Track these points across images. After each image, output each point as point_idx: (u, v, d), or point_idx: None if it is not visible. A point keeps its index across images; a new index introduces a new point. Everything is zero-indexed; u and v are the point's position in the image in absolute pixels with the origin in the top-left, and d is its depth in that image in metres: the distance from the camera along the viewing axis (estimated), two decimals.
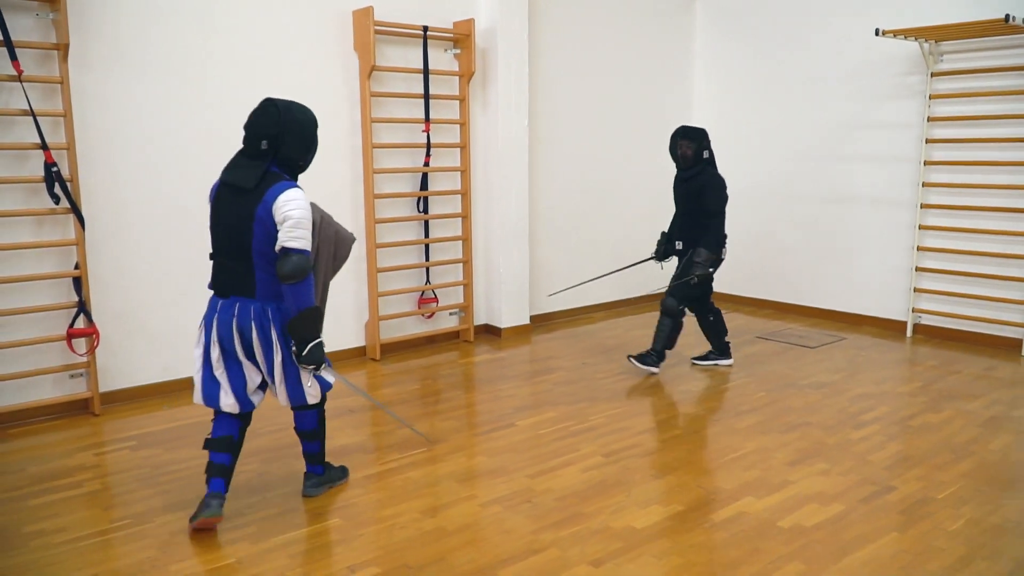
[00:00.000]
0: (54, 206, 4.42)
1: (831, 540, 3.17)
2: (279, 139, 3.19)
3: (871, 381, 5.24)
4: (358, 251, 5.66)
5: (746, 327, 6.74)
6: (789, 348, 6.09)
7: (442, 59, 5.98)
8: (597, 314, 7.21)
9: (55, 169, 4.36)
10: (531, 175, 6.49)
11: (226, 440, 3.34)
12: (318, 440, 3.60)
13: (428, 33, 5.70)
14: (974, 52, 5.95)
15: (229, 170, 3.23)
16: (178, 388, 5.01)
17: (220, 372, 3.29)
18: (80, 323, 4.57)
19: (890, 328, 6.58)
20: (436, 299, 6.13)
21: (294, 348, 3.20)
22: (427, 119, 5.77)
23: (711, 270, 5.23)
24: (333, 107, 5.46)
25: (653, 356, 5.35)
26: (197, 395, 3.33)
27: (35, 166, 4.40)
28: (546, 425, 4.48)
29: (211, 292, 3.35)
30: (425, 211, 5.94)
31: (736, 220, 7.50)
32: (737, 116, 7.54)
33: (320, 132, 5.19)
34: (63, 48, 4.33)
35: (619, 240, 7.23)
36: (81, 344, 4.59)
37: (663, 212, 7.67)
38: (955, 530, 3.24)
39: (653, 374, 5.36)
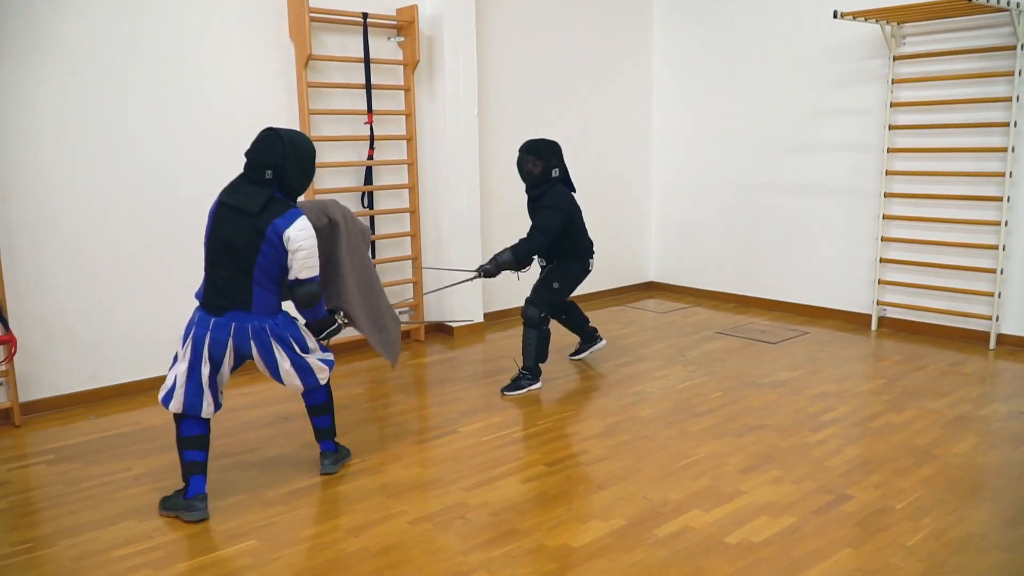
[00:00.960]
0: None
1: (780, 557, 2.97)
2: (283, 169, 3.29)
3: (832, 379, 5.06)
4: None
5: (707, 322, 6.55)
6: (749, 344, 5.91)
7: (385, 48, 5.72)
8: None
9: None
10: (481, 167, 6.24)
11: (198, 438, 3.37)
12: (328, 414, 3.73)
13: (368, 20, 5.43)
14: (937, 34, 5.77)
15: (231, 193, 3.32)
16: (106, 396, 4.76)
17: (207, 385, 3.33)
18: None
19: (854, 321, 6.42)
20: None
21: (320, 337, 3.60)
22: (369, 110, 5.51)
23: (557, 285, 4.93)
24: (269, 98, 5.20)
25: (527, 377, 4.87)
26: (176, 404, 3.34)
27: None
28: (490, 431, 4.26)
29: (196, 304, 3.43)
30: (370, 206, 5.69)
31: (696, 212, 7.38)
32: (697, 105, 7.33)
33: (254, 124, 5.02)
34: None
35: None
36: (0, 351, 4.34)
37: (617, 203, 7.54)
38: (914, 544, 3.05)
39: (535, 390, 4.90)
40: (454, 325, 6.14)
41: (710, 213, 7.31)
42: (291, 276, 3.31)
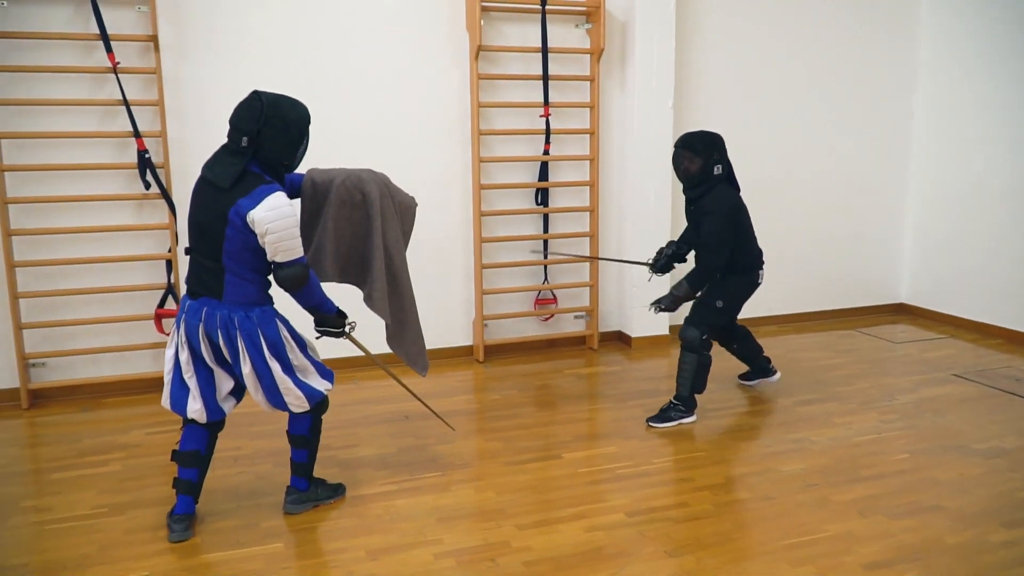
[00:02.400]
0: (147, 191, 4.59)
1: None
2: (260, 136, 2.95)
3: None
4: (465, 245, 5.29)
5: (951, 360, 5.33)
6: (992, 395, 4.69)
7: (572, 36, 5.36)
8: (768, 327, 6.11)
9: (147, 156, 4.52)
10: None
11: (192, 455, 3.14)
12: (306, 449, 3.30)
13: (547, 7, 5.12)
14: None
15: (209, 165, 3.02)
16: None
17: (189, 376, 3.08)
18: (169, 304, 4.72)
19: None
20: (555, 300, 5.58)
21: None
22: (546, 103, 5.21)
23: (720, 303, 4.24)
24: (441, 90, 5.12)
25: (678, 408, 4.24)
26: (164, 398, 3.14)
27: (134, 153, 4.58)
28: (595, 462, 3.80)
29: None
30: (544, 204, 5.40)
31: (962, 225, 6.06)
32: (972, 97, 5.96)
33: (428, 117, 4.98)
34: (154, 40, 4.45)
35: (794, 242, 6.10)
36: (168, 324, 4.75)
37: (861, 210, 6.41)
38: None
39: (687, 424, 4.25)
40: (632, 336, 5.65)
41: (979, 226, 5.95)
42: (268, 258, 2.96)
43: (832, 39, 6.09)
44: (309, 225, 3.38)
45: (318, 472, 3.61)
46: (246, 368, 3.02)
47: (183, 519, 3.12)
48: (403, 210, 3.46)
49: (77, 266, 4.58)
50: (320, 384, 3.20)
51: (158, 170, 4.58)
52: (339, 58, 4.91)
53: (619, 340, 5.81)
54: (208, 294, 3.01)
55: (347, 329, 3.33)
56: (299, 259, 2.98)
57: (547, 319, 5.61)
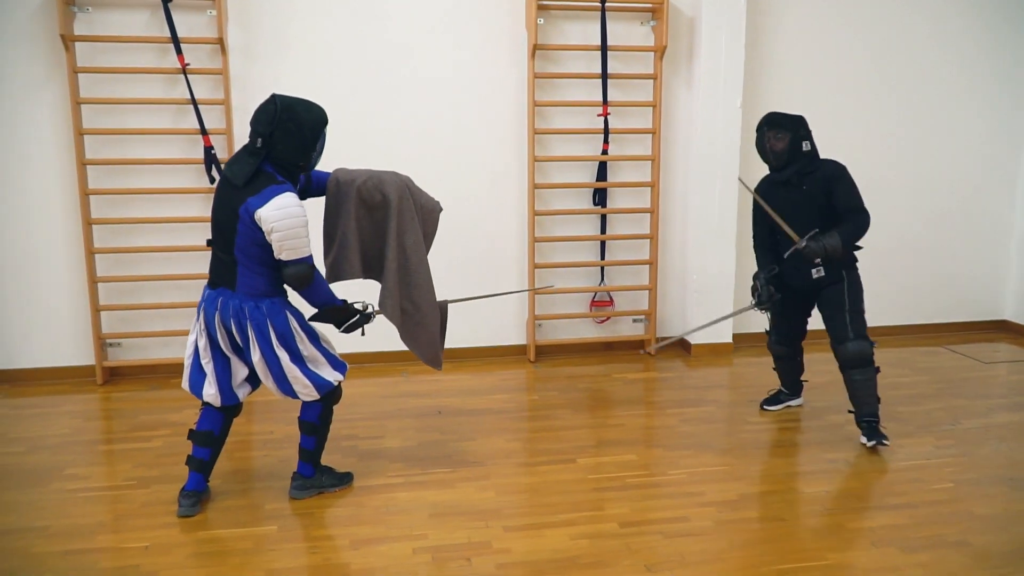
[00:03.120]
0: (212, 185, 4.87)
1: None
2: (273, 138, 3.08)
3: None
4: (520, 244, 5.30)
5: (1019, 387, 4.87)
6: None
7: (636, 33, 5.25)
8: None
9: (212, 152, 4.80)
10: (747, 168, 5.38)
11: (206, 435, 3.33)
12: (315, 436, 3.42)
13: (608, 4, 5.03)
14: None
15: (229, 163, 3.17)
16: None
17: (207, 361, 3.26)
18: None
19: None
20: (612, 302, 5.49)
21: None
22: (604, 102, 5.13)
23: (863, 306, 3.95)
24: (499, 89, 5.14)
25: (874, 421, 3.92)
26: (184, 382, 3.35)
27: (202, 149, 4.87)
28: (607, 469, 3.73)
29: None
30: (602, 204, 5.32)
31: None
32: None
33: (486, 116, 5.02)
34: (221, 42, 4.71)
35: (884, 250, 5.70)
36: None
37: (961, 216, 5.92)
38: None
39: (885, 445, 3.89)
40: (692, 343, 5.48)
41: None
42: (275, 256, 3.07)
43: (930, 33, 5.65)
44: (332, 222, 3.50)
45: (336, 460, 3.74)
46: (255, 356, 3.17)
47: (191, 495, 3.31)
48: (426, 213, 3.52)
49: (150, 254, 4.91)
50: (331, 375, 3.30)
51: (223, 166, 4.84)
52: (399, 57, 5.02)
53: (680, 346, 5.64)
54: (224, 285, 3.17)
55: (367, 310, 3.42)
56: (304, 258, 3.09)
57: (602, 321, 5.52)
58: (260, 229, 3.02)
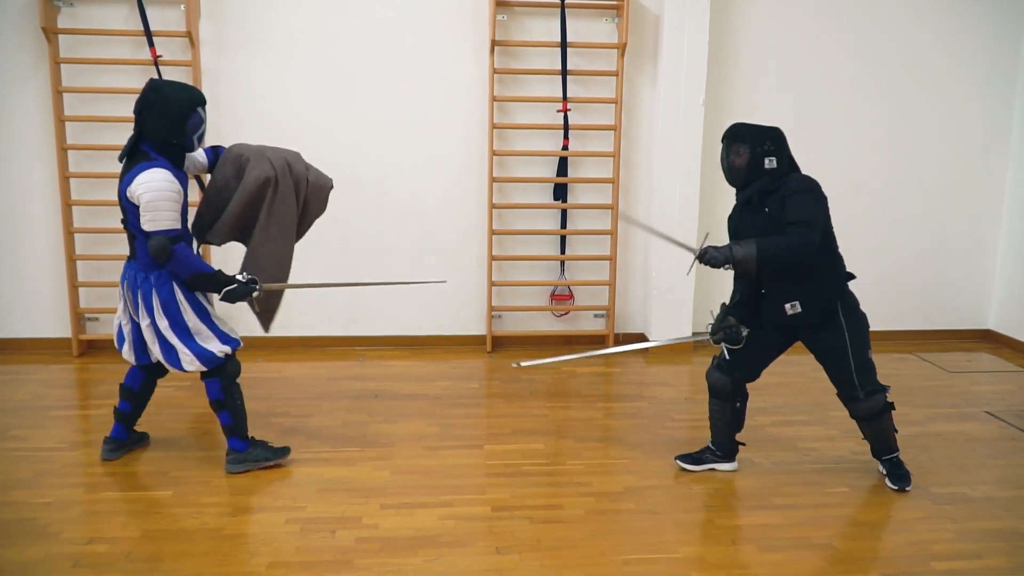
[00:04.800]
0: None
1: None
2: (143, 116, 3.28)
3: None
4: (480, 236, 5.39)
5: (1005, 396, 4.69)
6: (1012, 437, 4.12)
7: (601, 30, 5.28)
8: None
9: None
10: (709, 166, 5.36)
11: (127, 389, 3.65)
12: (226, 411, 3.57)
13: (568, 1, 5.08)
14: None
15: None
16: (291, 345, 5.42)
17: (124, 324, 3.53)
18: None
19: None
20: (572, 296, 5.54)
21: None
22: (564, 98, 5.18)
23: (871, 352, 3.39)
24: (462, 84, 5.26)
25: (896, 458, 3.54)
26: (115, 340, 3.63)
27: None
28: (508, 457, 3.81)
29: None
30: (562, 199, 5.38)
31: None
32: None
33: (448, 110, 5.14)
34: (190, 36, 4.96)
35: (862, 255, 5.54)
36: None
37: (943, 223, 5.74)
38: None
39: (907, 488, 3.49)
40: (651, 338, 5.49)
41: None
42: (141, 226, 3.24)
43: (912, 39, 5.51)
44: (216, 194, 3.64)
45: (257, 435, 3.91)
46: (144, 323, 3.40)
47: (112, 442, 3.67)
48: (314, 189, 3.66)
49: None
50: (218, 348, 3.45)
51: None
52: (364, 52, 5.19)
53: (640, 342, 5.64)
54: (131, 255, 3.43)
55: (244, 280, 3.46)
56: (164, 231, 3.23)
57: (562, 315, 5.58)
58: (135, 204, 3.22)
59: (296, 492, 3.41)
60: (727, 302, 3.50)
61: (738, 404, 3.58)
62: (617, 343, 5.55)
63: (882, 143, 5.63)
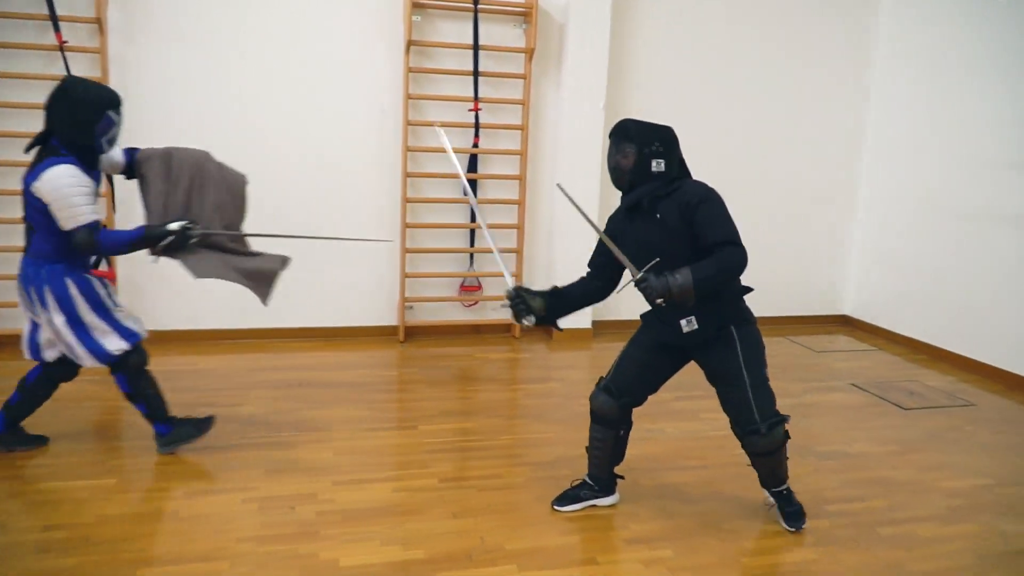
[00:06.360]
0: None
1: None
2: (50, 114, 3.25)
3: (919, 466, 3.87)
4: (393, 230, 5.57)
5: (863, 371, 5.36)
6: (875, 404, 4.74)
7: (511, 35, 5.58)
8: None
9: None
10: (607, 167, 5.78)
11: (21, 381, 3.58)
12: (139, 402, 3.58)
13: (480, 5, 5.35)
14: None
15: None
16: (202, 338, 5.40)
17: (26, 318, 3.46)
18: (102, 266, 5.13)
19: None
20: (480, 287, 5.82)
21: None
22: (476, 98, 5.45)
23: (767, 371, 3.10)
24: (376, 81, 5.42)
25: (792, 503, 3.25)
26: None
27: None
28: (443, 435, 4.04)
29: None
30: (473, 195, 5.64)
31: (906, 240, 6.06)
32: (923, 108, 5.95)
33: (362, 106, 5.26)
34: (99, 22, 4.87)
35: None
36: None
37: (806, 221, 6.43)
38: None
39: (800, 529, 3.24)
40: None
41: (919, 244, 5.93)
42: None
43: (781, 45, 6.16)
44: (145, 192, 3.60)
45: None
46: (42, 319, 3.36)
47: None
48: (231, 187, 3.65)
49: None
50: (114, 344, 3.41)
51: None
52: (277, 46, 5.25)
53: (543, 330, 6.01)
54: (25, 250, 3.37)
55: (177, 228, 3.39)
56: (83, 225, 3.19)
57: (471, 305, 5.85)
58: (37, 199, 3.18)
59: (245, 475, 3.51)
60: (558, 286, 3.31)
61: (621, 432, 3.29)
62: (523, 331, 5.88)
63: (755, 143, 6.24)
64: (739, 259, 2.87)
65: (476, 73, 5.43)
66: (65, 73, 4.84)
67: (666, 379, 3.27)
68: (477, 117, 5.50)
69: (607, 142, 5.41)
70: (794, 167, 6.35)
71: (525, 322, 3.16)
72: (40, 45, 4.86)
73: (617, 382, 3.23)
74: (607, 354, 5.55)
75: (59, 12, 4.80)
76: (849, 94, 6.37)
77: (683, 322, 3.01)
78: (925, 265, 5.88)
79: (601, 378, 3.31)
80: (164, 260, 3.56)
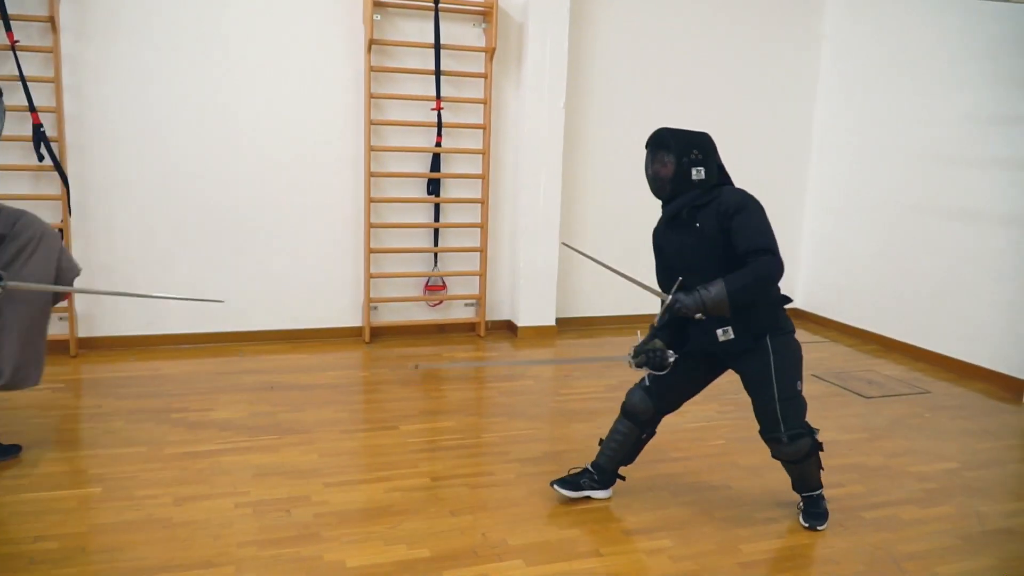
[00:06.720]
0: (41, 163, 4.83)
1: None
2: None
3: (884, 452, 4.05)
4: (356, 230, 5.53)
5: (817, 363, 5.56)
6: (836, 394, 4.93)
7: (470, 34, 5.61)
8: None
9: (42, 130, 4.77)
10: (569, 164, 5.88)
11: None
12: None
13: (441, 5, 5.36)
14: None
15: None
16: (161, 343, 5.27)
17: None
18: None
19: (1010, 388, 5.05)
20: (444, 287, 5.82)
21: None
22: (438, 97, 5.45)
23: (800, 384, 3.09)
24: (337, 80, 5.37)
25: (816, 507, 3.27)
26: None
27: (31, 127, 4.82)
28: (426, 434, 4.04)
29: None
30: (435, 194, 5.64)
31: (852, 235, 6.30)
32: (864, 105, 6.21)
33: (323, 106, 5.20)
34: (52, 20, 4.70)
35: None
36: None
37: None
38: None
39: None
40: (519, 325, 5.90)
41: (867, 237, 6.19)
42: None
43: (733, 45, 6.33)
44: None
45: (164, 431, 3.89)
46: None
47: None
48: (62, 272, 3.52)
49: None
50: None
51: (53, 144, 4.82)
52: (236, 45, 5.16)
53: (507, 329, 6.05)
54: None
55: None
56: None
57: (435, 305, 5.85)
58: None
59: (232, 479, 3.45)
60: (655, 323, 3.14)
61: (644, 436, 3.36)
62: (487, 330, 5.91)
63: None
64: (773, 268, 2.86)
65: (438, 72, 5.43)
66: (16, 72, 4.66)
67: (702, 387, 3.33)
68: (440, 116, 5.50)
69: (567, 141, 5.62)
70: (745, 162, 6.50)
71: (671, 360, 3.08)
72: None
73: (658, 385, 3.23)
74: (572, 350, 5.69)
75: (10, 11, 4.61)
76: (797, 90, 6.60)
77: (719, 331, 3.02)
78: (874, 257, 6.14)
79: (643, 378, 3.29)
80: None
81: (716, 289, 2.86)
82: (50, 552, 2.82)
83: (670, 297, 2.95)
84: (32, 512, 3.10)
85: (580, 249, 3.35)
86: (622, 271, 3.25)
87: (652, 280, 3.21)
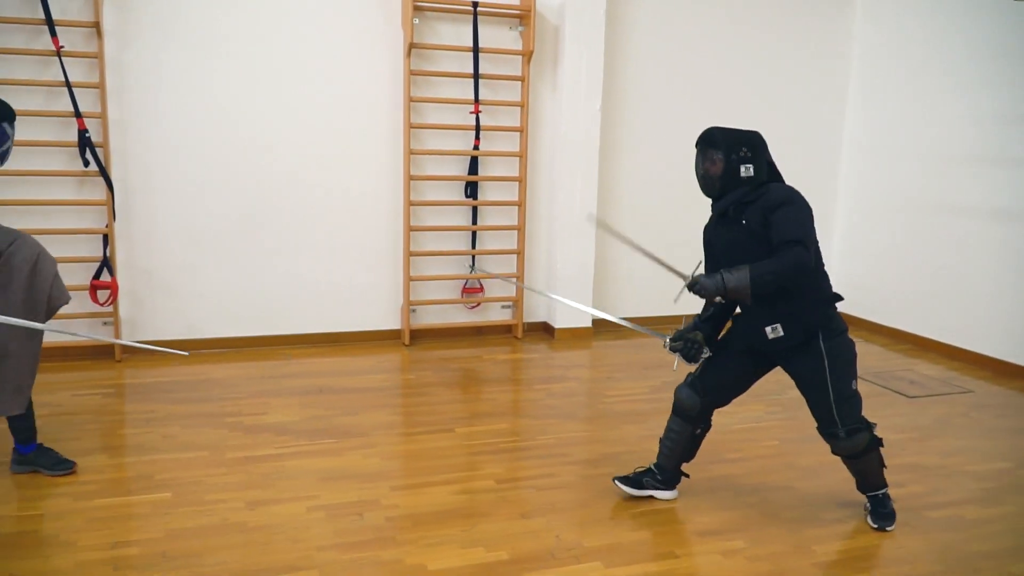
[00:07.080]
0: (87, 169, 4.84)
1: None
2: None
3: (936, 451, 4.08)
4: (395, 233, 5.55)
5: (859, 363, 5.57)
6: (880, 394, 4.95)
7: (506, 38, 5.62)
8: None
9: (87, 135, 4.78)
10: (605, 166, 5.90)
11: None
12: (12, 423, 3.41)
13: (479, 9, 5.38)
14: None
15: None
16: (201, 347, 5.27)
17: None
18: (104, 276, 4.97)
19: None
20: (482, 289, 5.84)
21: None
22: (476, 100, 5.47)
23: (855, 384, 3.11)
24: (376, 84, 5.39)
25: (884, 506, 3.28)
26: None
27: (76, 132, 4.83)
28: (481, 437, 4.07)
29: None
30: (473, 196, 5.66)
31: (883, 234, 6.32)
32: (894, 105, 6.24)
33: (362, 109, 5.22)
34: (97, 26, 4.71)
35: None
36: (104, 295, 4.99)
37: None
38: None
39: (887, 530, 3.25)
40: (555, 327, 5.92)
41: (899, 236, 6.22)
42: None
43: (765, 48, 6.36)
44: None
45: (221, 435, 3.91)
46: None
47: None
48: (53, 300, 3.39)
49: None
50: None
51: (97, 149, 4.84)
52: (278, 49, 5.17)
53: (544, 331, 6.07)
54: None
55: None
56: None
57: (473, 307, 5.87)
58: None
59: (299, 484, 3.47)
60: (700, 313, 3.27)
61: (698, 431, 3.36)
62: (524, 332, 5.93)
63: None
64: (797, 258, 2.86)
65: (476, 75, 5.45)
66: (62, 78, 4.68)
67: (750, 383, 3.34)
68: (478, 119, 5.52)
69: (603, 142, 5.65)
70: (778, 162, 6.55)
71: (704, 356, 3.20)
72: (34, 51, 4.68)
73: (704, 380, 3.28)
74: (609, 352, 5.71)
75: (55, 16, 4.63)
76: (830, 90, 6.62)
77: (768, 329, 3.03)
78: (904, 257, 6.17)
79: (689, 374, 3.34)
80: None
81: (740, 274, 2.90)
82: (131, 558, 2.83)
83: (690, 278, 2.99)
84: (106, 518, 3.12)
85: (610, 225, 3.43)
86: (648, 250, 3.17)
87: (679, 264, 3.13)
